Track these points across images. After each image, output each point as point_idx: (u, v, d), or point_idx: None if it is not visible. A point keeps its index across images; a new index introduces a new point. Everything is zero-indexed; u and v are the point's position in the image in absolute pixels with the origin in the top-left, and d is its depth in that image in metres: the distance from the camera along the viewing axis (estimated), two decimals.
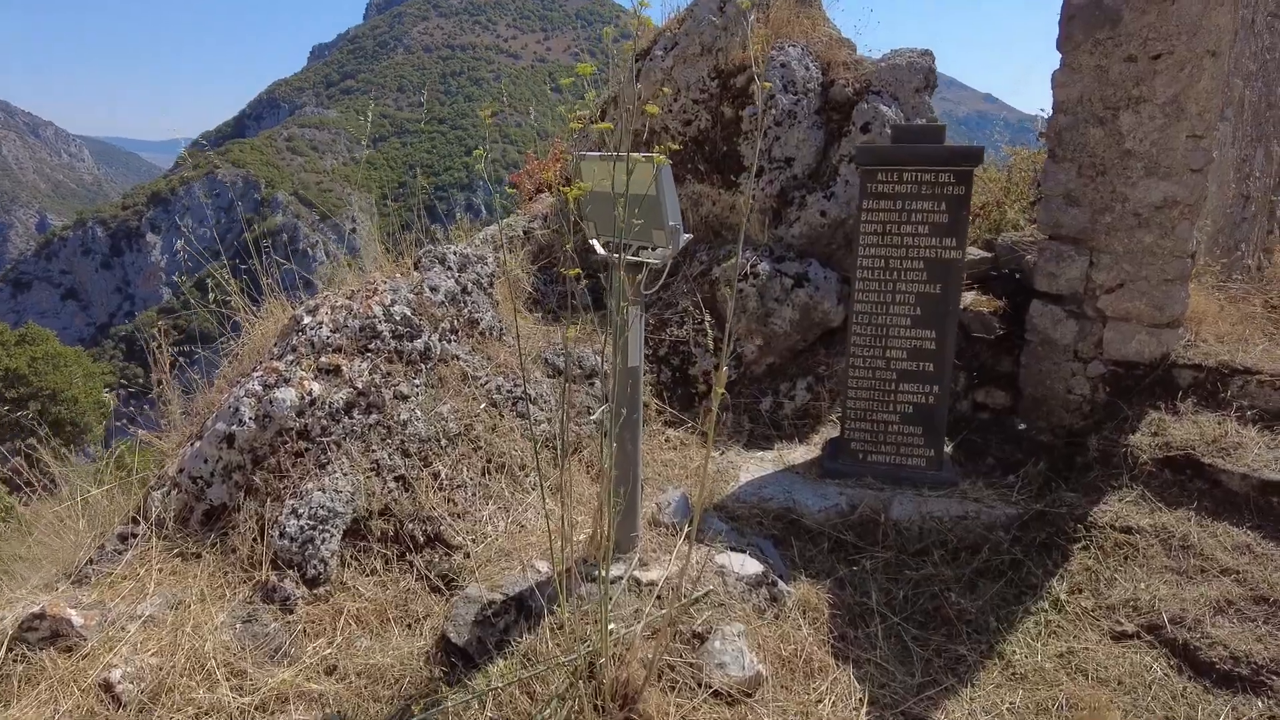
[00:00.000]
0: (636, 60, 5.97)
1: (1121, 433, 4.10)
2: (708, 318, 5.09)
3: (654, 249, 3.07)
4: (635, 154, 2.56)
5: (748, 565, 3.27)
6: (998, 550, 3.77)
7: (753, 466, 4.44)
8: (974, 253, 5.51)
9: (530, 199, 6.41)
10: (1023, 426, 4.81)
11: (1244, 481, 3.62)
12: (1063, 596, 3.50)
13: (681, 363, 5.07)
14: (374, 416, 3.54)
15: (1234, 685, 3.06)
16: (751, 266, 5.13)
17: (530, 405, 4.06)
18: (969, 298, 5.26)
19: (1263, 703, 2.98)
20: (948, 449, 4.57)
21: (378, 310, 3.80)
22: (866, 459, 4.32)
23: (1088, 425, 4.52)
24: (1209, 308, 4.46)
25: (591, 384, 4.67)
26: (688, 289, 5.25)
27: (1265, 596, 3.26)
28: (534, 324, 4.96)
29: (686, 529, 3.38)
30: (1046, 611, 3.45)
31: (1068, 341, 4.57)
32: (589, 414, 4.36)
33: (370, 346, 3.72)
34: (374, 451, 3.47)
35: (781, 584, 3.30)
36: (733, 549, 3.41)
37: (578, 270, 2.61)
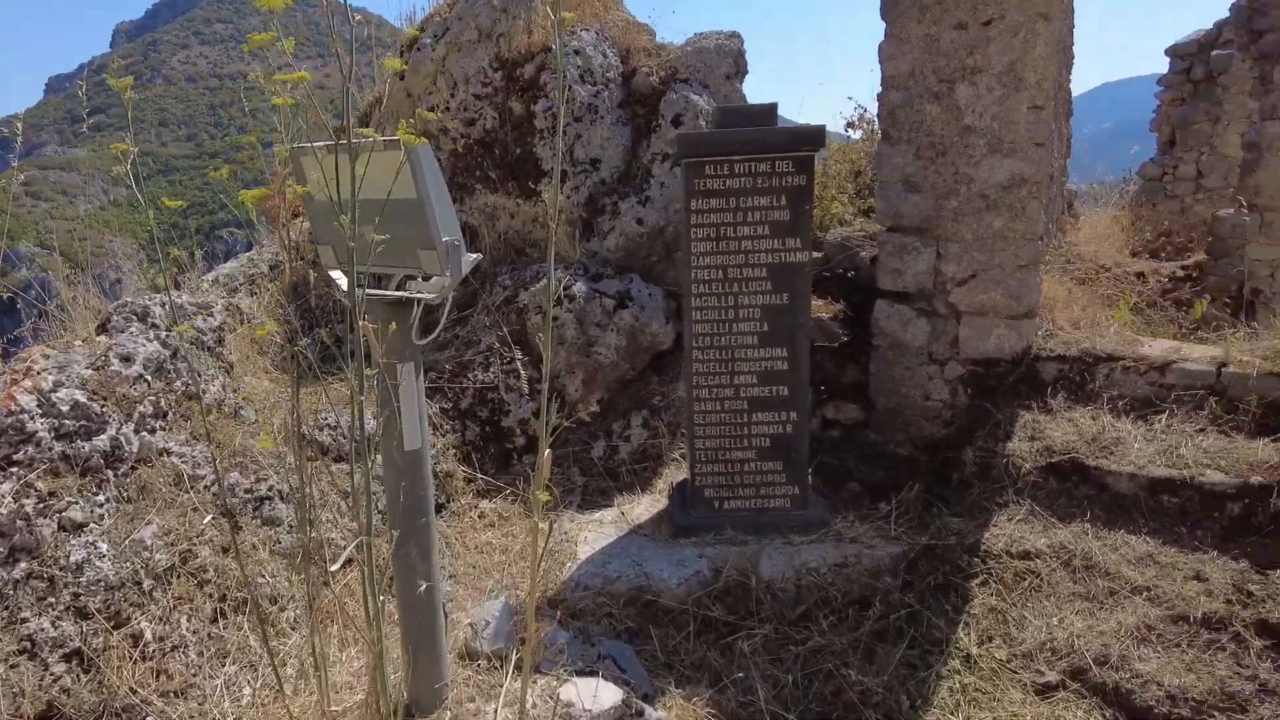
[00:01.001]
0: (402, 54, 4.97)
1: (996, 440, 3.65)
2: (518, 355, 4.20)
3: (424, 277, 2.16)
4: (369, 131, 1.64)
5: (603, 694, 2.40)
6: (889, 602, 3.16)
7: (592, 534, 3.59)
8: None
9: (284, 225, 5.20)
10: (874, 438, 4.31)
11: (1132, 482, 3.25)
12: (973, 650, 2.93)
13: (491, 414, 4.13)
14: (23, 566, 2.33)
15: None
16: (565, 289, 4.30)
17: (283, 505, 2.97)
18: None
19: None
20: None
21: (28, 402, 2.58)
22: (723, 507, 3.60)
23: (951, 434, 4.07)
24: (1058, 292, 4.17)
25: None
26: (490, 322, 4.33)
27: (1183, 615, 2.85)
28: (288, 387, 3.83)
29: (515, 657, 2.46)
30: (960, 673, 2.86)
31: (920, 343, 4.12)
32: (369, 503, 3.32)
33: (16, 457, 2.50)
34: (25, 622, 2.27)
35: (649, 710, 2.46)
36: (580, 671, 2.54)
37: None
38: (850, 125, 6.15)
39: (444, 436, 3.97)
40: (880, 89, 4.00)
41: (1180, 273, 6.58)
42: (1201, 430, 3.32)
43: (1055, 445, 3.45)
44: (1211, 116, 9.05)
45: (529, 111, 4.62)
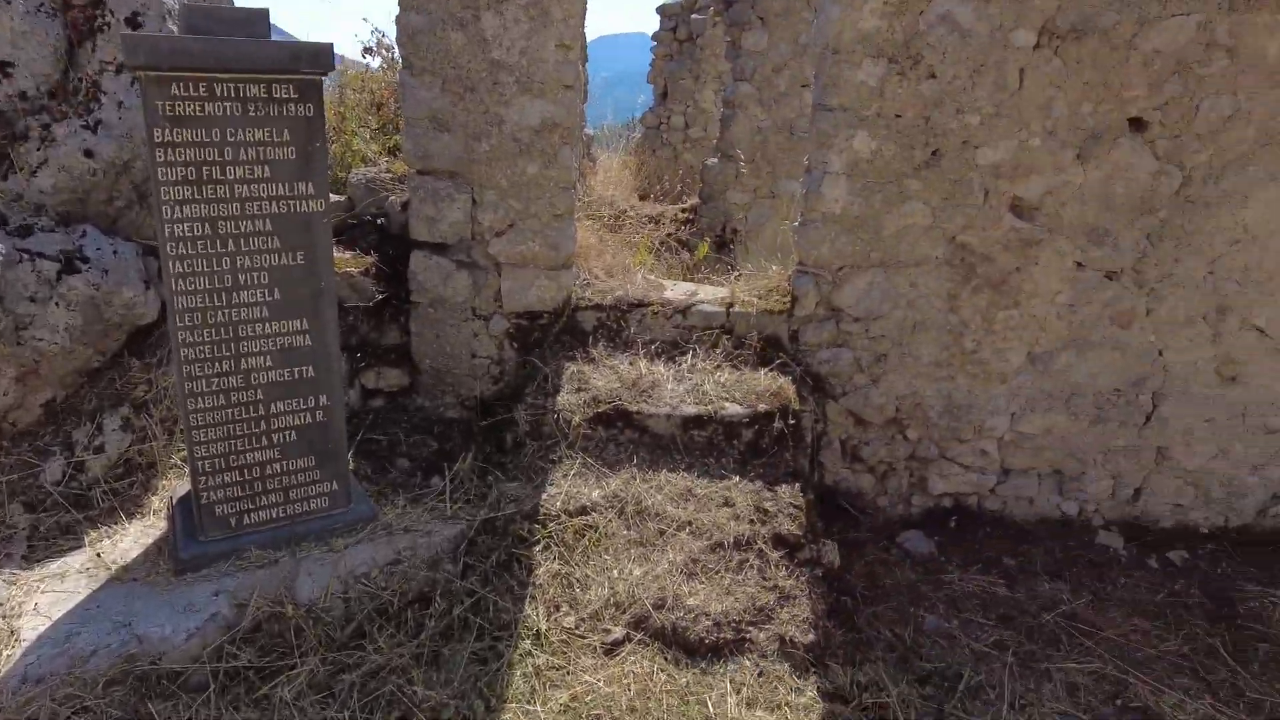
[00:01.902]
0: None
1: (546, 395, 3.55)
2: None
3: None
4: None
5: None
6: (451, 593, 2.87)
7: (47, 597, 2.60)
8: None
9: None
10: (422, 403, 3.97)
11: (669, 422, 3.41)
12: (542, 626, 2.80)
13: None
14: None
15: (723, 653, 2.78)
16: None
17: None
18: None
19: (750, 661, 2.76)
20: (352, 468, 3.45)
21: None
22: (244, 523, 2.90)
23: (502, 390, 3.90)
24: (591, 241, 4.20)
25: None
26: None
27: (720, 542, 3.08)
28: None
29: None
30: (532, 655, 2.71)
31: (463, 298, 3.82)
32: None
33: None
34: None
35: None
36: None
37: None
38: (368, 51, 5.48)
39: None
40: (399, 10, 3.48)
41: (682, 215, 7.39)
42: (719, 366, 3.62)
43: (600, 395, 3.46)
44: (694, 74, 10.31)
45: None
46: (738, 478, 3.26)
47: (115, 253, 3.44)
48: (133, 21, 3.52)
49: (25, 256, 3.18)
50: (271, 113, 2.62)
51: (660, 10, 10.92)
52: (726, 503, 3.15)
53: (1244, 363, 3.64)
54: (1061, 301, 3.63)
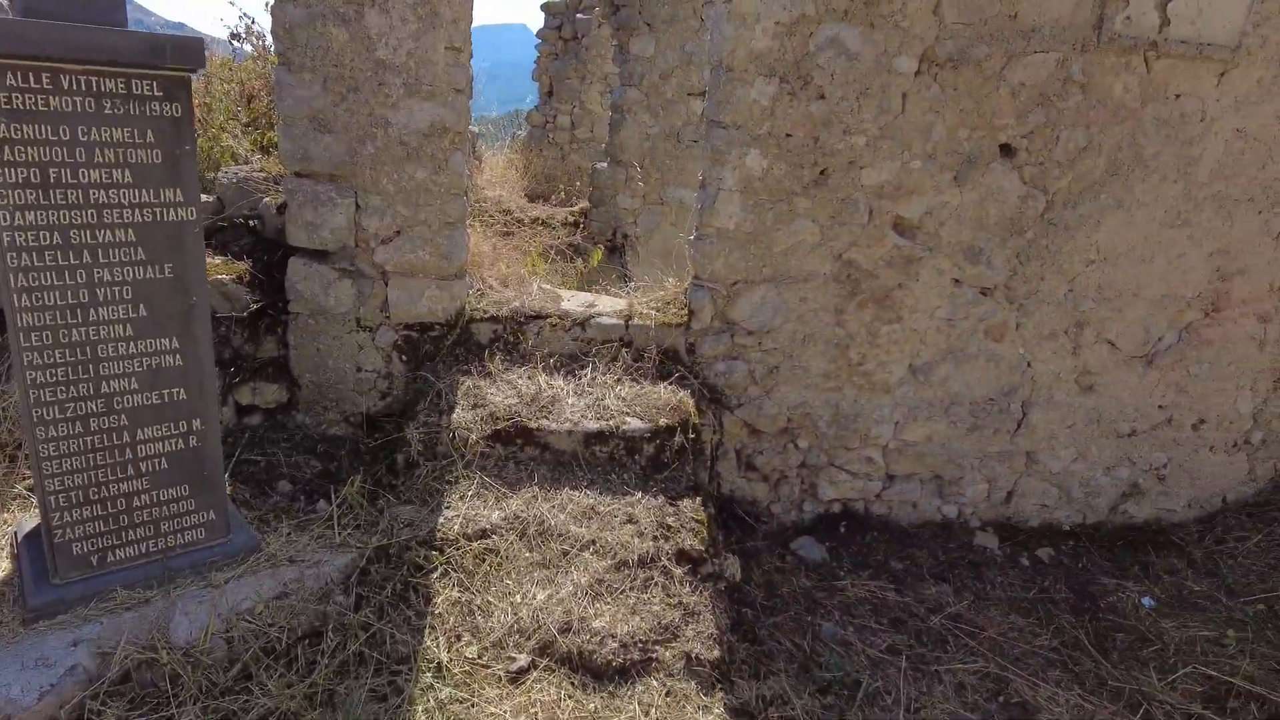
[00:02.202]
0: None
1: (440, 412, 3.41)
2: None
3: None
4: None
5: None
6: (344, 626, 2.71)
7: None
8: None
9: None
10: (303, 420, 3.73)
11: (570, 438, 3.35)
12: (443, 657, 2.68)
13: None
14: None
15: (631, 675, 2.76)
16: None
17: None
18: None
19: (658, 681, 2.75)
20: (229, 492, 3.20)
21: None
22: (108, 560, 2.63)
23: (391, 405, 3.72)
24: (484, 248, 4.07)
25: None
26: None
27: (624, 560, 3.05)
28: None
29: None
30: (434, 689, 2.59)
31: (346, 308, 3.62)
32: None
33: None
34: None
35: None
36: None
37: None
38: (236, 37, 5.09)
39: None
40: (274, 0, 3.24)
41: (572, 219, 7.31)
42: (619, 380, 3.59)
43: (499, 411, 3.36)
44: (580, 74, 10.24)
45: None
46: (640, 493, 3.24)
47: None
48: None
49: None
50: (132, 111, 2.37)
51: (545, 8, 10.78)
52: (630, 520, 3.12)
53: (1099, 373, 3.97)
54: (940, 316, 3.82)
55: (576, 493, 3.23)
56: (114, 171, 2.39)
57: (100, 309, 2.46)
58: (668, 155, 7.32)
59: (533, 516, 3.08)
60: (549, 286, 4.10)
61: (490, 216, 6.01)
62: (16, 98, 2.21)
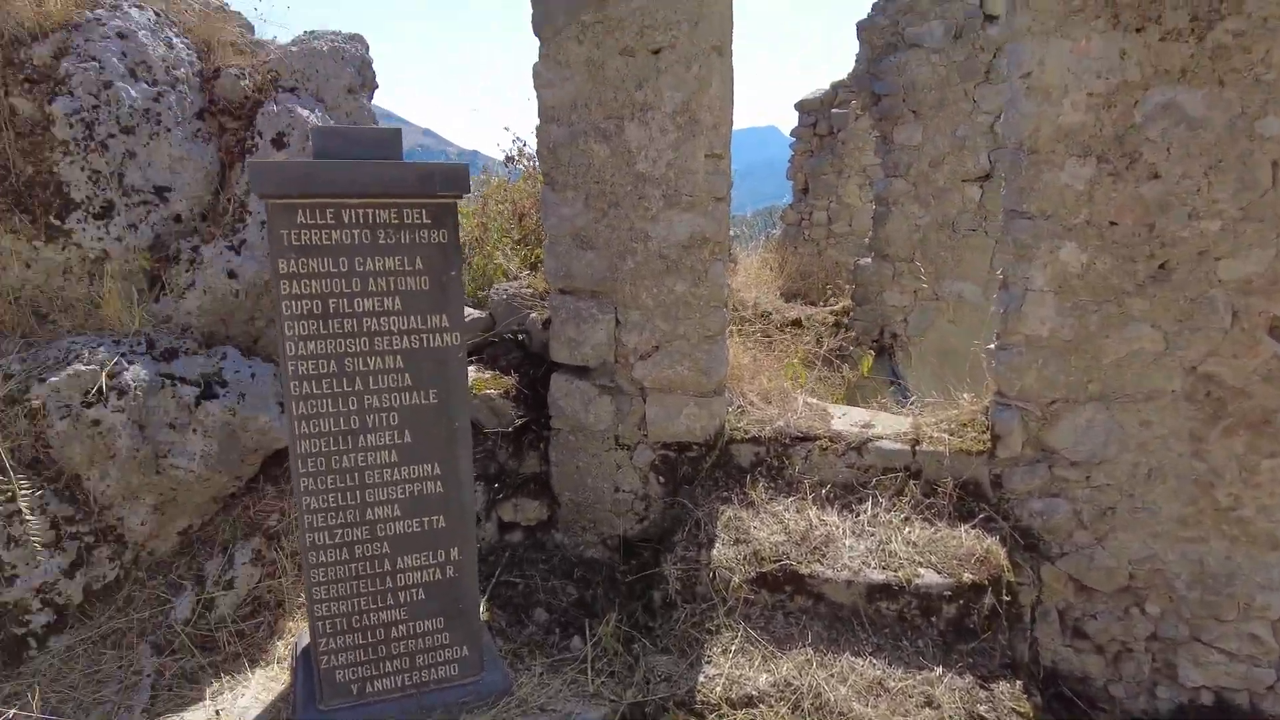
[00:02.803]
0: None
1: (699, 545, 3.06)
2: (18, 484, 2.71)
3: None
4: None
5: None
6: None
7: None
8: (468, 312, 4.12)
9: None
10: (561, 540, 3.56)
11: (850, 590, 2.83)
12: None
13: None
14: None
15: None
16: (112, 377, 2.91)
17: None
18: (471, 374, 3.84)
19: None
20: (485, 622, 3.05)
21: None
22: (366, 691, 2.54)
23: (649, 529, 3.45)
24: (744, 360, 3.76)
25: None
26: None
27: None
28: None
29: None
30: None
31: (605, 425, 3.44)
32: None
33: None
34: None
35: None
36: None
37: None
38: (510, 160, 5.42)
39: None
40: (539, 121, 3.27)
41: (832, 318, 6.86)
42: (907, 520, 3.02)
43: (764, 550, 2.94)
44: (836, 168, 9.93)
45: (45, 114, 3.13)
46: (940, 668, 2.62)
47: (253, 375, 3.30)
48: (279, 141, 3.48)
49: (167, 382, 3.07)
50: (403, 239, 2.37)
51: (799, 106, 10.71)
52: (929, 702, 2.51)
53: None
54: None
55: (859, 660, 2.68)
56: (385, 299, 2.39)
57: (369, 435, 2.44)
58: (941, 247, 6.67)
59: (807, 687, 2.58)
60: (815, 401, 3.67)
61: (747, 320, 5.75)
62: (305, 234, 2.29)
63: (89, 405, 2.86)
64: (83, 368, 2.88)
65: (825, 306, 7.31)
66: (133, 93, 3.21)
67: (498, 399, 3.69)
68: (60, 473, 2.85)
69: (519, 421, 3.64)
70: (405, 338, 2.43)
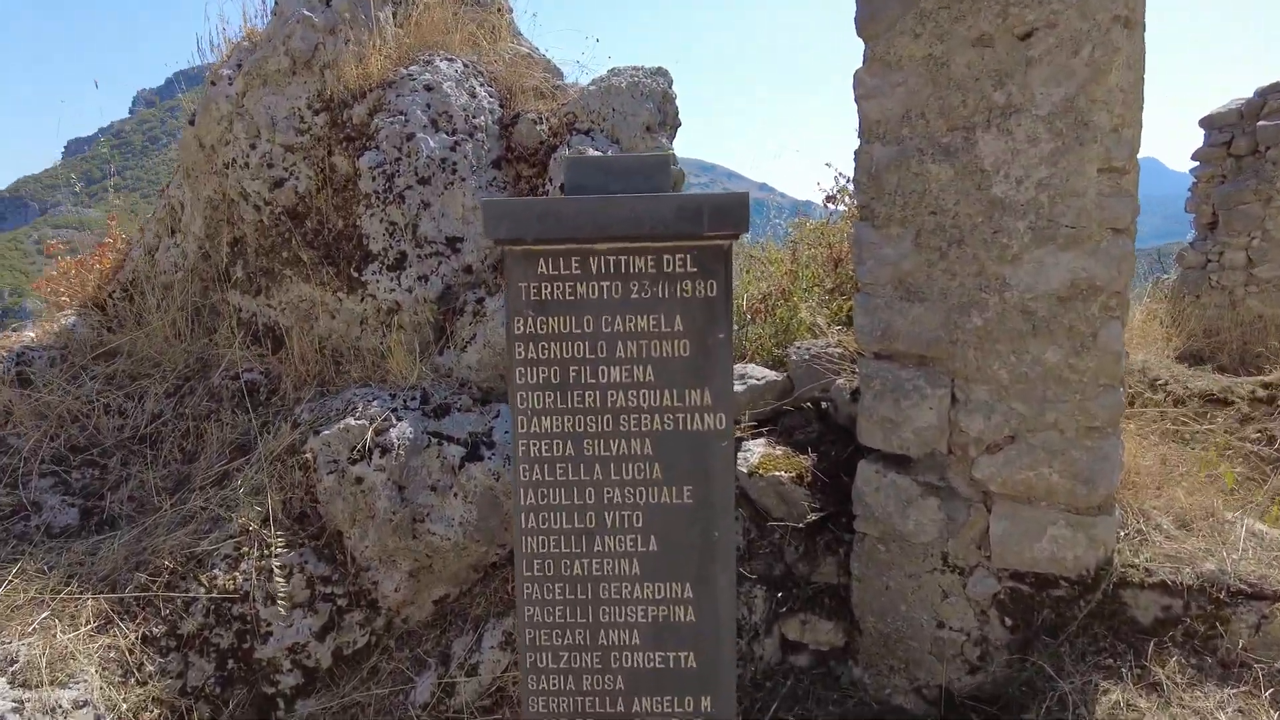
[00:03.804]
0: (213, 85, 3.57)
1: None
2: (276, 542, 2.64)
3: None
4: None
5: None
6: None
7: None
8: (760, 373, 3.52)
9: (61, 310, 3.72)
10: (859, 676, 2.74)
11: None
12: None
13: (238, 640, 2.56)
14: None
15: None
16: (378, 432, 2.78)
17: None
18: (756, 451, 3.21)
19: None
20: None
21: None
22: None
23: (984, 685, 2.50)
24: (1145, 460, 2.65)
25: None
26: (257, 481, 2.79)
27: None
28: None
29: None
30: None
31: (929, 538, 2.58)
32: None
33: None
34: None
35: None
36: None
37: None
38: (830, 199, 4.75)
39: (143, 685, 2.39)
40: (860, 142, 2.57)
41: (1263, 392, 5.07)
42: None
43: None
44: (1262, 196, 7.70)
45: (355, 169, 3.19)
46: None
47: None
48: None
49: (433, 441, 2.89)
50: (660, 293, 1.83)
51: (1206, 122, 8.57)
52: None
53: None
54: None
55: None
56: (635, 368, 1.87)
57: (606, 538, 1.93)
58: None
59: None
60: (1268, 530, 2.43)
61: (1140, 396, 4.39)
62: (546, 287, 1.86)
63: (354, 462, 2.74)
64: (353, 422, 2.79)
65: (1251, 377, 5.46)
66: (431, 143, 3.15)
67: (788, 483, 3.01)
68: (323, 529, 2.76)
69: (813, 516, 2.92)
70: (657, 417, 1.88)
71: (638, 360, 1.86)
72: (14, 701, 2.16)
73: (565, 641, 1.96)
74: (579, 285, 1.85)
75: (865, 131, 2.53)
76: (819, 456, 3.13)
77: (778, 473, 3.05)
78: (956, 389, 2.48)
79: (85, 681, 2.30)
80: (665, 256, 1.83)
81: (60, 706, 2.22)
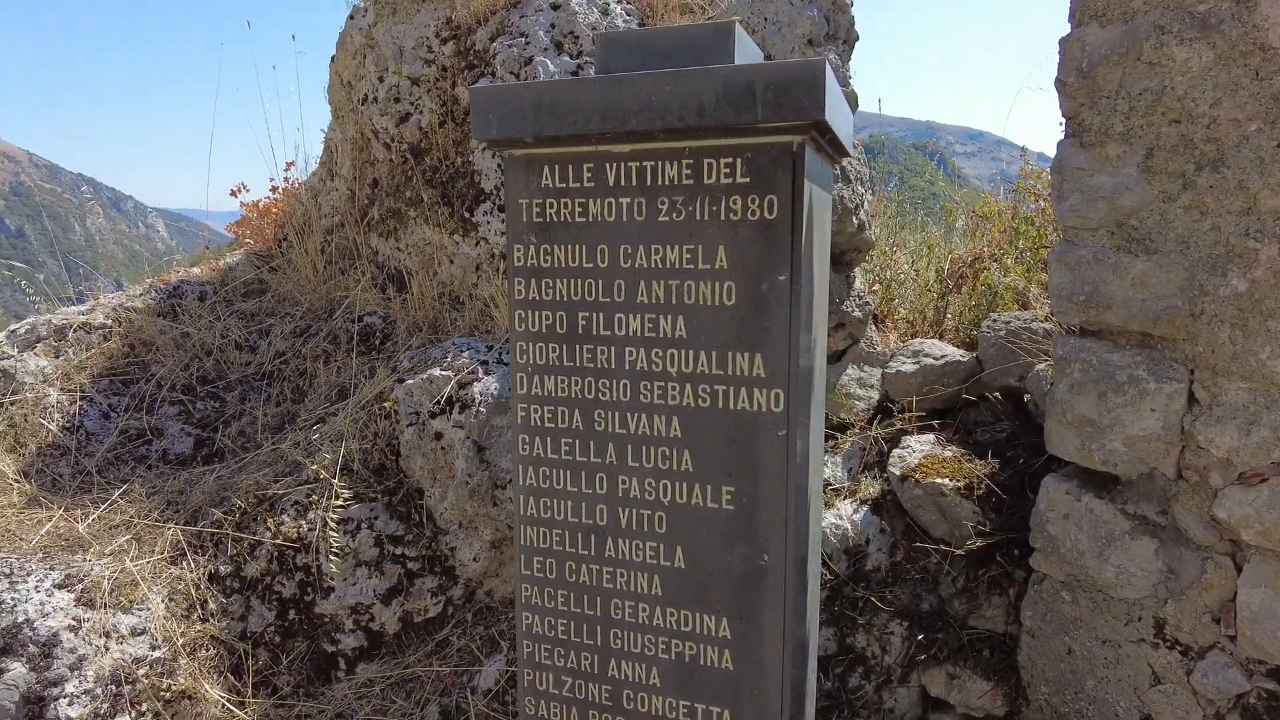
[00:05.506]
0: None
1: None
2: (342, 494, 2.45)
3: None
4: None
5: None
6: None
7: None
8: (939, 351, 2.80)
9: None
10: None
11: None
12: None
13: (300, 591, 2.42)
14: None
15: None
16: (461, 385, 2.51)
17: None
18: (918, 450, 2.52)
19: None
20: None
21: None
22: None
23: None
24: None
25: None
26: (342, 427, 2.63)
27: None
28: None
29: None
30: None
31: (1139, 593, 1.80)
32: None
33: None
34: None
35: None
36: None
37: None
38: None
39: (204, 622, 2.33)
40: (1070, 28, 1.80)
41: None
42: None
43: None
44: None
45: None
46: None
47: None
48: None
49: None
50: (696, 213, 1.31)
51: None
52: None
53: None
54: None
55: None
56: (661, 319, 1.36)
57: (620, 541, 1.46)
58: None
59: None
60: None
61: None
62: (551, 206, 1.41)
63: (434, 415, 2.49)
64: (438, 373, 2.53)
65: None
66: (551, 67, 2.79)
67: (952, 495, 2.32)
68: (401, 484, 2.54)
69: (979, 541, 2.20)
70: (688, 388, 1.37)
71: (664, 308, 1.36)
72: (73, 619, 2.17)
73: (568, 664, 1.53)
74: (591, 203, 1.38)
75: (1077, 9, 1.76)
76: (1002, 464, 2.40)
77: (940, 480, 2.37)
78: (1196, 384, 1.67)
79: (149, 610, 2.27)
80: (706, 161, 1.30)
81: (117, 630, 2.20)
